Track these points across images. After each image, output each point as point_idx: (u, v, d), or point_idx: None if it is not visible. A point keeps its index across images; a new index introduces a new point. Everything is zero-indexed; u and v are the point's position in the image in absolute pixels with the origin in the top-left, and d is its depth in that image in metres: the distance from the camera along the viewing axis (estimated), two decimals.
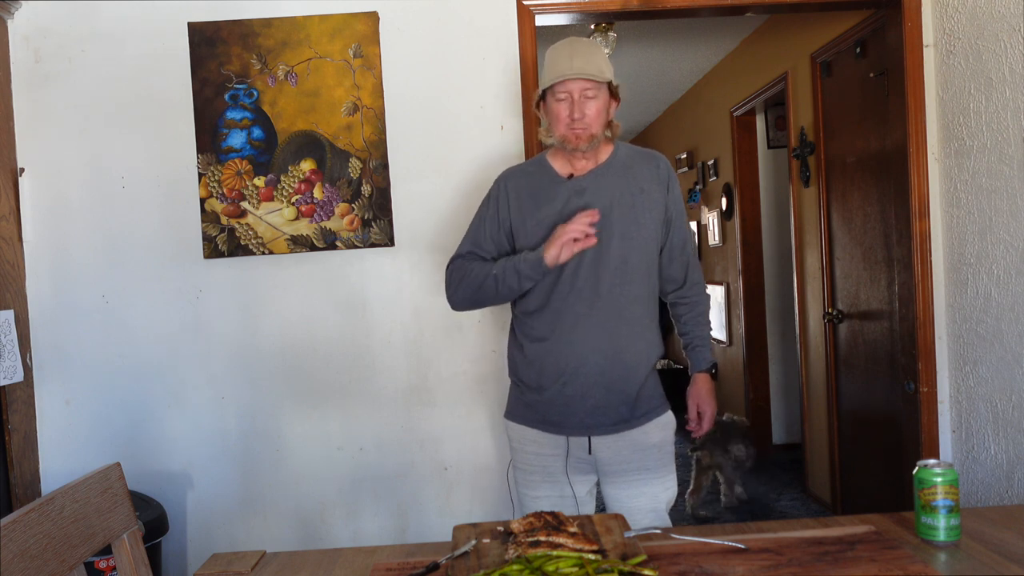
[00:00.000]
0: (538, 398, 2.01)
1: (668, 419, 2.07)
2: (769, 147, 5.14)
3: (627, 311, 1.98)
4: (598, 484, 2.08)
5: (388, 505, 2.67)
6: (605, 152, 2.03)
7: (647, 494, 2.00)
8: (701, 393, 2.10)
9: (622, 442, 2.00)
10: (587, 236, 1.84)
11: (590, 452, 2.00)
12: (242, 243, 2.59)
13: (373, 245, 2.61)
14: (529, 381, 2.03)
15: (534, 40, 2.65)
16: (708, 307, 2.17)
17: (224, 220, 2.59)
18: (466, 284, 2.02)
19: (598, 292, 1.95)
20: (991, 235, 2.47)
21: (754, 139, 5.15)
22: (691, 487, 4.20)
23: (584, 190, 1.98)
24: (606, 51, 4.20)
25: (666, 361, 6.13)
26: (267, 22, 2.57)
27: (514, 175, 2.09)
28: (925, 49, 2.72)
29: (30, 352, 2.57)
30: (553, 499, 2.03)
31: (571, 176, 2.00)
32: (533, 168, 2.08)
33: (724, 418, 4.22)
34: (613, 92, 1.99)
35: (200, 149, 2.58)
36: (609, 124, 2.00)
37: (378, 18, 2.59)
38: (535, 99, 2.04)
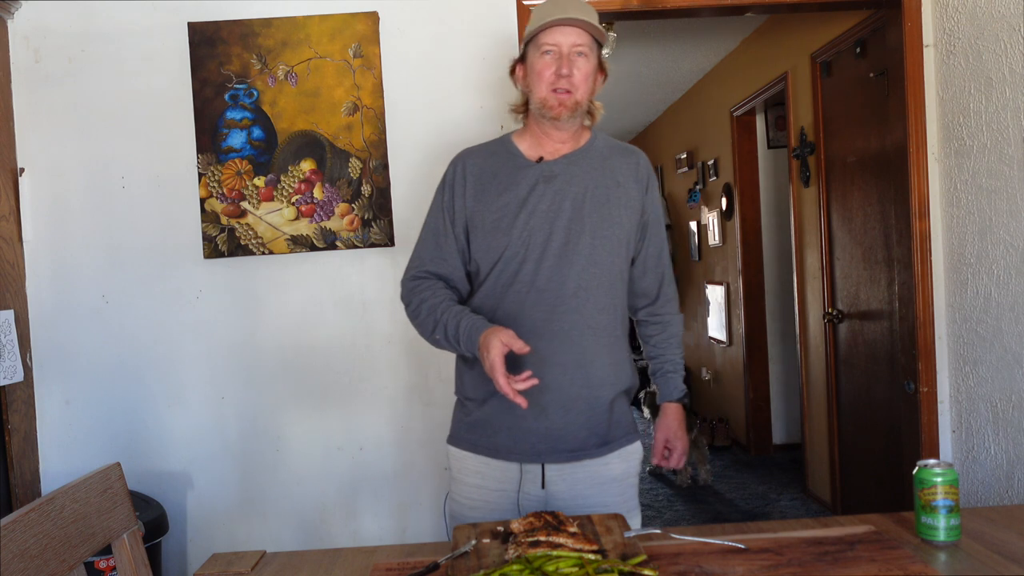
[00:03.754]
0: (485, 414, 1.70)
1: (634, 449, 1.78)
2: (769, 147, 5.14)
3: (594, 320, 1.69)
4: None
5: (388, 505, 2.67)
6: (582, 138, 1.77)
7: None
8: (671, 426, 1.83)
9: (580, 474, 1.71)
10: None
11: (543, 486, 1.70)
12: (242, 243, 2.59)
13: (373, 245, 2.61)
14: (475, 395, 1.72)
15: None
16: (681, 329, 1.89)
17: (224, 220, 2.59)
18: (418, 324, 1.73)
19: (562, 295, 1.66)
20: (991, 235, 2.47)
21: (754, 139, 5.15)
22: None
23: (555, 176, 1.70)
24: (605, 52, 4.20)
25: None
26: (267, 22, 2.57)
27: (474, 154, 1.78)
28: (925, 49, 2.72)
29: (30, 352, 2.57)
30: None
31: (540, 159, 1.72)
32: (496, 148, 1.79)
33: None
34: (602, 64, 1.73)
35: (200, 149, 2.58)
36: (591, 103, 1.75)
37: (378, 18, 2.59)
38: (511, 64, 1.77)
